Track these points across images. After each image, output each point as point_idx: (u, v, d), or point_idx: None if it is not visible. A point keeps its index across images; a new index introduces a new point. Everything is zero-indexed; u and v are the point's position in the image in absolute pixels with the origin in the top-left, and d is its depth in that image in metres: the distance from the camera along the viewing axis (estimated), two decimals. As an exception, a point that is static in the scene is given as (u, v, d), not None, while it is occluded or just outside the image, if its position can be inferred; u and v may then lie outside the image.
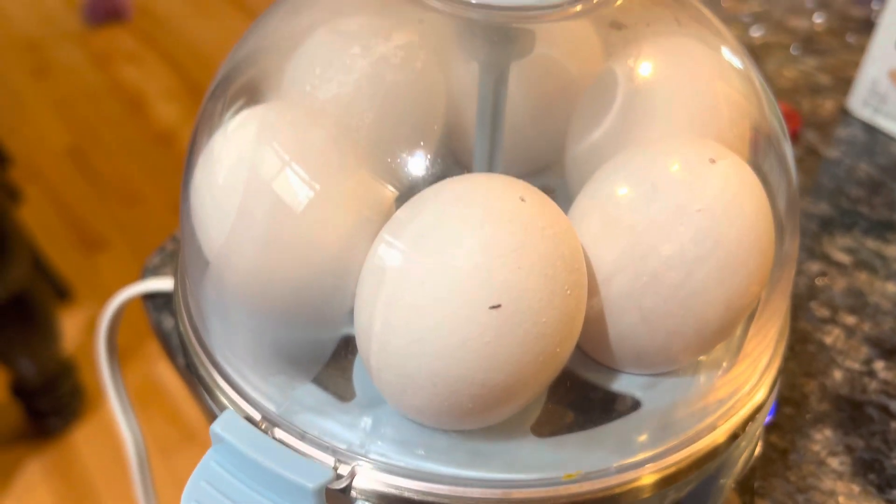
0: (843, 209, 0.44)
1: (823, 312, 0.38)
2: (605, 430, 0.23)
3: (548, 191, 0.21)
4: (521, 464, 0.21)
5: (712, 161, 0.21)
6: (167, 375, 1.07)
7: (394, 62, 0.23)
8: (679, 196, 0.21)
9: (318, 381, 0.23)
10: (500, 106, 0.24)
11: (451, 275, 0.19)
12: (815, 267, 0.41)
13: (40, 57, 1.69)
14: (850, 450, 0.32)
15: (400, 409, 0.22)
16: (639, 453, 0.22)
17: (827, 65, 0.57)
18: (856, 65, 0.53)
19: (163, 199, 1.36)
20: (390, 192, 0.22)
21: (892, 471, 0.32)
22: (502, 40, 0.23)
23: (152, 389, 1.06)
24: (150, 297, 0.38)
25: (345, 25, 0.25)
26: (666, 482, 0.22)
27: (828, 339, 0.37)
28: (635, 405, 0.23)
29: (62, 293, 1.15)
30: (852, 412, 0.34)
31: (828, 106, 0.53)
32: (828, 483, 0.31)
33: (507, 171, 0.22)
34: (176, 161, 1.44)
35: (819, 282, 0.40)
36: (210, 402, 0.24)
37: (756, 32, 0.60)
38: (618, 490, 0.21)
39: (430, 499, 0.21)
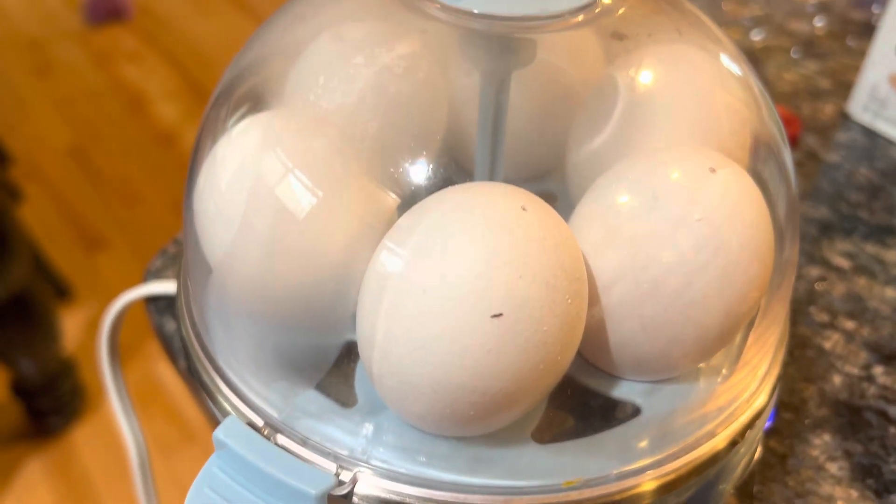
0: (843, 214, 0.45)
1: (823, 317, 0.38)
2: (606, 437, 0.23)
3: (551, 198, 0.21)
4: (522, 470, 0.22)
5: (713, 170, 0.22)
6: (168, 375, 1.07)
7: (397, 72, 0.24)
8: (679, 205, 0.21)
9: (321, 387, 0.23)
10: (502, 115, 0.24)
11: (453, 283, 0.19)
12: (814, 271, 0.41)
13: (41, 56, 1.69)
14: (848, 455, 0.32)
15: (401, 416, 0.22)
16: (639, 460, 0.22)
17: (827, 69, 0.57)
18: (856, 69, 0.53)
19: (163, 198, 1.36)
20: (393, 199, 0.22)
21: (890, 476, 0.32)
22: (504, 50, 0.23)
23: (153, 389, 1.06)
24: (153, 300, 0.38)
25: (348, 34, 0.25)
26: (666, 489, 0.22)
27: (827, 344, 0.37)
28: (635, 412, 0.23)
29: (63, 292, 1.15)
30: (851, 417, 0.34)
31: (828, 110, 0.53)
32: (826, 488, 0.31)
33: (509, 179, 0.22)
34: (177, 160, 1.44)
35: (818, 286, 0.40)
36: (212, 407, 0.24)
37: (757, 36, 0.60)
38: (618, 497, 0.22)
39: (432, 505, 0.21)
